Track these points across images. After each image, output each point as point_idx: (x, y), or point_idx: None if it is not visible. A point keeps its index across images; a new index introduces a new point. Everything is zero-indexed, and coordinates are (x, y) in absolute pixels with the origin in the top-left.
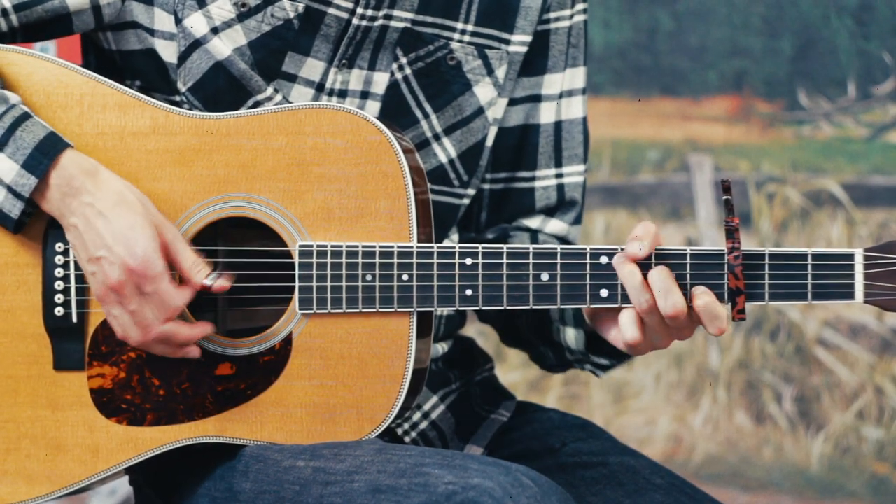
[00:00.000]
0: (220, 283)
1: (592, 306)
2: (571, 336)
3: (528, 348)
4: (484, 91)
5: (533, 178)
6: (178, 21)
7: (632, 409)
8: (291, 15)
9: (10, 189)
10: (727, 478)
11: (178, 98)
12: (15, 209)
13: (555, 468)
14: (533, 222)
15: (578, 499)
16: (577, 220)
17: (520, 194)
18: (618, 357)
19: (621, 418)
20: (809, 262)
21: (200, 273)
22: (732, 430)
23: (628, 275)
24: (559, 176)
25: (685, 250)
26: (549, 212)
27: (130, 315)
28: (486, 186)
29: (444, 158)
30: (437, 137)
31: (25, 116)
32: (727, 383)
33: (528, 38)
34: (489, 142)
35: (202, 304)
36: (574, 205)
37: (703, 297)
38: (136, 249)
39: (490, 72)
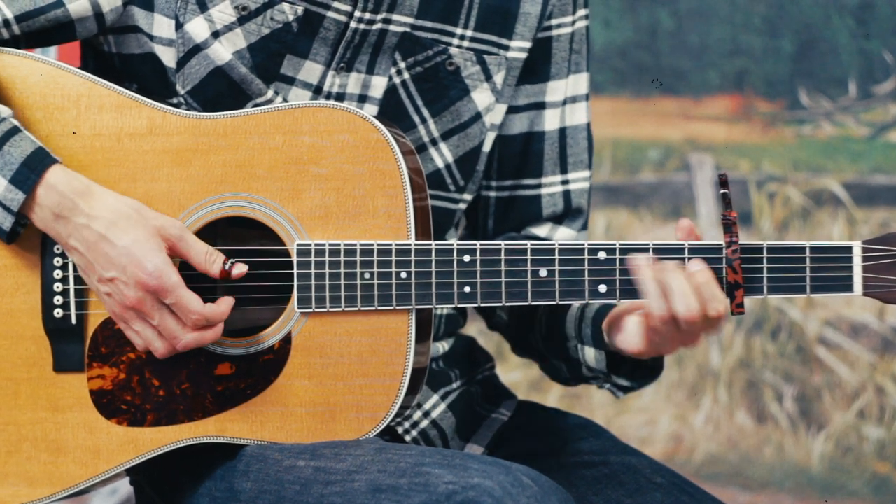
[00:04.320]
0: (238, 268)
1: (591, 301)
2: (591, 356)
3: (541, 361)
4: (482, 96)
5: (539, 186)
6: (180, 25)
7: (633, 408)
8: (290, 18)
9: None
10: (728, 477)
11: (176, 100)
12: (6, 222)
13: (556, 467)
14: (542, 230)
15: (579, 498)
16: (585, 227)
17: (526, 202)
18: (639, 379)
19: (622, 418)
20: (808, 255)
21: (216, 263)
22: (733, 429)
23: (651, 282)
24: (565, 182)
25: (683, 245)
26: (557, 219)
27: (154, 329)
28: (493, 194)
29: (440, 163)
30: (434, 142)
31: (14, 131)
32: (728, 383)
33: (528, 45)
34: (486, 147)
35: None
36: (581, 212)
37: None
38: (146, 265)
39: (488, 77)
